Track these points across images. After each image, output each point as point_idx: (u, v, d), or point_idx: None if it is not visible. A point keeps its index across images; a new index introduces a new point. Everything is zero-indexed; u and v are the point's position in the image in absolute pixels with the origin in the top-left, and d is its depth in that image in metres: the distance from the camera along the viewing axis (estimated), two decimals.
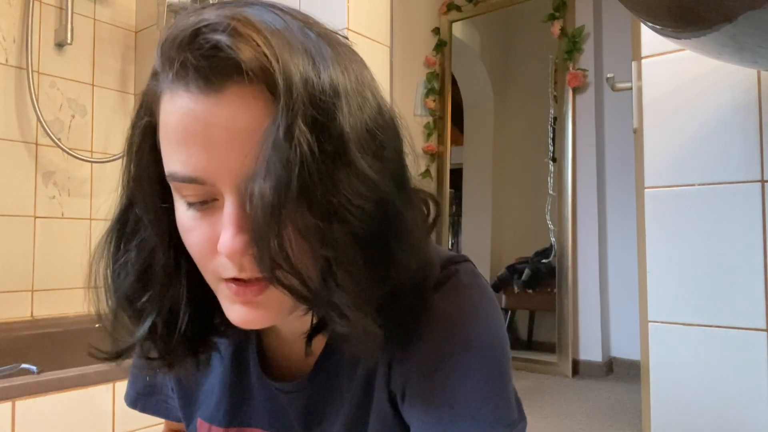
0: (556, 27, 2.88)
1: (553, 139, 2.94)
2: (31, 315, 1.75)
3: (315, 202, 0.36)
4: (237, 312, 0.40)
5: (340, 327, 0.39)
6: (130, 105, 2.05)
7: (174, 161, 0.38)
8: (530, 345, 3.06)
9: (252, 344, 0.53)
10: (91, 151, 1.92)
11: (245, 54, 0.35)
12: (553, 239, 2.91)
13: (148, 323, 0.43)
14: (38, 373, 1.08)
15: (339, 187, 0.36)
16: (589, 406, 2.24)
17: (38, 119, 1.71)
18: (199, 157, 0.37)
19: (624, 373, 2.75)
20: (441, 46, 3.28)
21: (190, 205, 0.39)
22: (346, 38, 0.44)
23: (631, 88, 1.13)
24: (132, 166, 0.42)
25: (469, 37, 3.41)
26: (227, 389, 0.54)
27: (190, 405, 0.57)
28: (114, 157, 1.87)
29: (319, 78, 0.36)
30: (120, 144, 1.99)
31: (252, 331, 0.52)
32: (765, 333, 0.91)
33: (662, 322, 1.02)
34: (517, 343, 3.07)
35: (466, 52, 3.39)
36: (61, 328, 1.68)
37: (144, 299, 0.43)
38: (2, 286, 1.69)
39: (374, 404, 0.47)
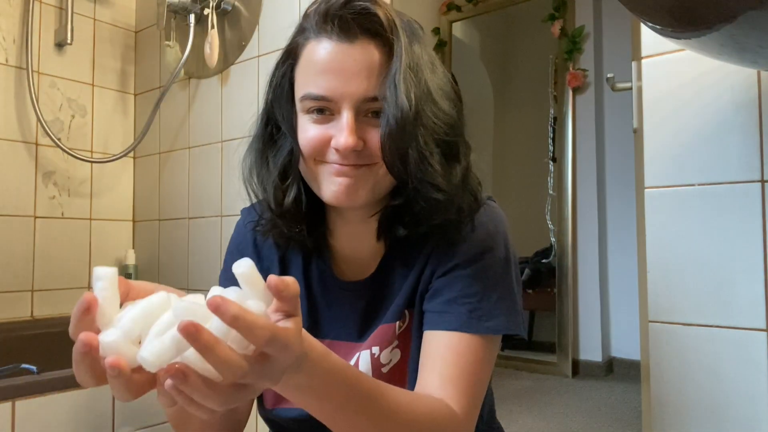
0: (556, 27, 2.88)
1: (553, 139, 2.94)
2: (31, 315, 1.75)
3: (419, 117, 0.57)
4: (335, 184, 0.59)
5: (427, 197, 0.59)
6: (130, 105, 2.05)
7: (312, 85, 0.58)
8: (530, 345, 3.06)
9: (325, 256, 0.69)
10: (91, 151, 1.92)
11: (382, 18, 0.57)
12: (553, 239, 2.91)
13: (291, 198, 0.64)
14: (38, 373, 1.08)
15: (430, 110, 0.59)
16: (589, 406, 2.24)
17: (38, 119, 1.71)
18: (333, 83, 0.57)
19: (624, 373, 2.75)
20: (441, 46, 3.28)
21: (314, 112, 0.59)
22: (421, 27, 0.64)
23: (631, 88, 1.13)
24: (271, 94, 0.64)
25: (469, 37, 3.41)
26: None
27: None
28: (114, 157, 1.87)
29: (412, 47, 0.59)
30: (120, 144, 2.00)
31: (324, 245, 0.70)
32: (765, 333, 0.91)
33: (662, 322, 1.02)
34: (517, 343, 3.07)
35: (466, 52, 3.39)
36: (61, 328, 1.66)
37: (287, 183, 0.64)
38: (2, 286, 1.69)
39: (417, 298, 0.64)
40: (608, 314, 2.88)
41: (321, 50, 0.58)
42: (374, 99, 0.58)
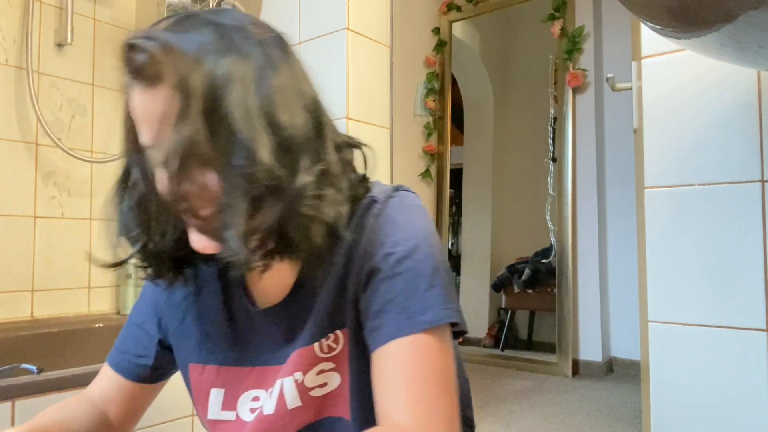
0: (556, 27, 2.88)
1: (553, 139, 2.94)
2: (31, 315, 1.75)
3: (206, 162, 0.51)
4: (193, 238, 0.55)
5: (224, 253, 0.51)
6: None
7: (140, 134, 0.54)
8: (530, 345, 3.06)
9: (241, 284, 0.66)
10: (91, 151, 1.92)
11: (158, 70, 0.51)
12: (553, 239, 2.91)
13: (138, 245, 0.59)
14: (38, 373, 1.08)
15: (224, 152, 0.50)
16: (589, 406, 2.24)
17: (38, 119, 1.71)
18: (147, 132, 0.53)
19: (624, 373, 2.75)
20: (441, 46, 3.28)
21: (157, 164, 0.54)
22: (277, 36, 0.57)
23: (631, 88, 1.13)
24: (127, 142, 0.58)
25: (469, 37, 3.41)
26: (216, 332, 0.67)
27: (183, 355, 0.69)
28: (114, 157, 1.87)
29: (212, 75, 0.50)
30: (120, 144, 1.99)
31: (237, 276, 0.65)
32: (765, 333, 0.91)
33: (662, 322, 1.02)
34: (517, 343, 3.07)
35: (466, 52, 3.39)
36: (61, 328, 1.68)
37: (137, 230, 0.59)
38: (2, 286, 1.69)
39: (346, 313, 0.60)
40: (608, 314, 2.88)
41: (132, 100, 0.54)
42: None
